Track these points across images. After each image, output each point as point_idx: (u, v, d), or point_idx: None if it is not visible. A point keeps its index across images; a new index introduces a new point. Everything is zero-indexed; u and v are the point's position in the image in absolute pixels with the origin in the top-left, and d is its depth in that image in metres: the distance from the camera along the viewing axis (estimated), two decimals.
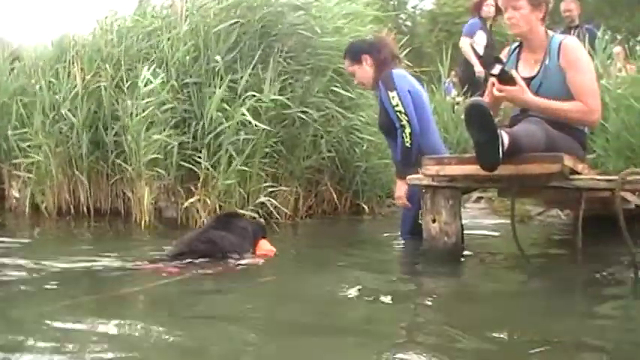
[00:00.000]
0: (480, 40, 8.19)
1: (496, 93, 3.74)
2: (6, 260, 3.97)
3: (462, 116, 3.51)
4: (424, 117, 4.52)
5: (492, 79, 3.77)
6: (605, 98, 6.04)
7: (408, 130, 4.36)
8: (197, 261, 3.81)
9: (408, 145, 4.37)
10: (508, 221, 5.89)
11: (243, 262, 3.93)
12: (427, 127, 4.54)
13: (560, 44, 3.91)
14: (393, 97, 4.41)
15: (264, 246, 4.27)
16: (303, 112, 5.81)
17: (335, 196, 6.38)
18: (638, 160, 5.55)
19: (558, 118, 3.82)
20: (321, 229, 5.91)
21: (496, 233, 5.26)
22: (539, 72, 3.94)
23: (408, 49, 6.65)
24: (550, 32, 4.08)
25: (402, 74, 4.58)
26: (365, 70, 4.70)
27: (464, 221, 4.71)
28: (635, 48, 6.40)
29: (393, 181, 6.52)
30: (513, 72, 3.79)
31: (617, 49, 9.71)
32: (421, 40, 24.17)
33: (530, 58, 4.04)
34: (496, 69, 3.71)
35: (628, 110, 5.85)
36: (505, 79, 3.71)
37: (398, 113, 4.39)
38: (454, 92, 8.46)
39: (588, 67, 3.97)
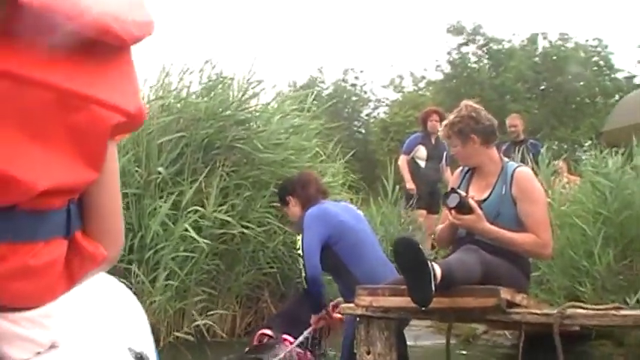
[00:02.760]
0: (421, 154, 8.32)
1: (453, 221, 3.78)
2: None
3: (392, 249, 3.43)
4: (354, 243, 4.49)
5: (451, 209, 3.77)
6: (550, 215, 6.06)
7: (304, 275, 4.38)
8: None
9: (305, 287, 4.44)
10: (453, 342, 5.82)
11: None
12: (358, 254, 4.48)
13: (513, 173, 3.90)
14: (298, 240, 4.46)
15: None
16: (244, 226, 5.67)
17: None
18: (583, 279, 5.52)
19: (511, 248, 3.78)
20: None
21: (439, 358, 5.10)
22: (489, 196, 3.92)
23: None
24: (505, 159, 4.09)
25: (318, 213, 4.55)
26: (292, 210, 4.79)
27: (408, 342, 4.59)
28: (579, 158, 6.45)
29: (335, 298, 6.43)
30: (471, 202, 3.77)
31: (559, 162, 9.90)
32: (374, 147, 24.57)
33: (481, 181, 4.04)
34: (453, 201, 3.73)
35: (572, 228, 5.85)
36: (464, 208, 3.73)
37: (299, 256, 4.43)
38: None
39: (541, 199, 3.99)
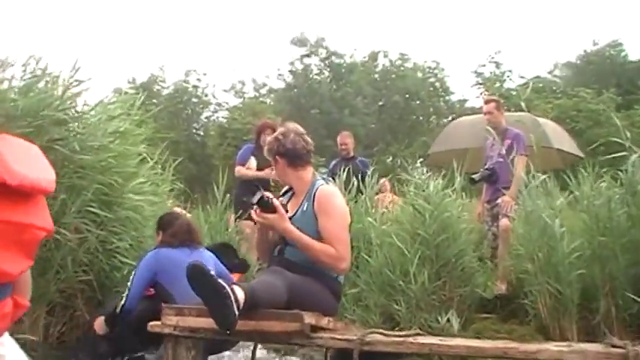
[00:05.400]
0: (252, 165, 8.32)
1: (256, 218, 3.93)
2: None
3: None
4: (176, 277, 4.69)
5: (255, 207, 3.89)
6: (371, 234, 6.20)
7: (121, 303, 4.83)
8: None
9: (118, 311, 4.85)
10: (272, 355, 5.82)
11: None
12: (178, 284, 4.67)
13: (316, 191, 4.01)
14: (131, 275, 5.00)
15: None
16: (56, 232, 5.36)
17: None
18: (399, 297, 5.68)
19: (309, 255, 3.83)
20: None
21: None
22: (296, 213, 4.00)
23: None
24: (317, 175, 4.16)
25: (151, 258, 5.00)
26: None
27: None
28: (407, 177, 6.66)
29: None
30: (275, 200, 3.88)
31: (383, 180, 10.19)
32: (211, 152, 24.38)
33: (295, 200, 4.16)
34: (255, 198, 3.87)
35: (390, 247, 6.01)
36: (267, 206, 3.85)
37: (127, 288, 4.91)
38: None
39: (341, 215, 4.04)
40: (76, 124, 5.73)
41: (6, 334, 2.11)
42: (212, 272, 3.28)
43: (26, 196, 1.96)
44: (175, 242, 5.10)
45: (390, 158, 28.23)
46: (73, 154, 5.51)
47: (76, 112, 5.88)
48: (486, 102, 7.51)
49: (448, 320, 5.43)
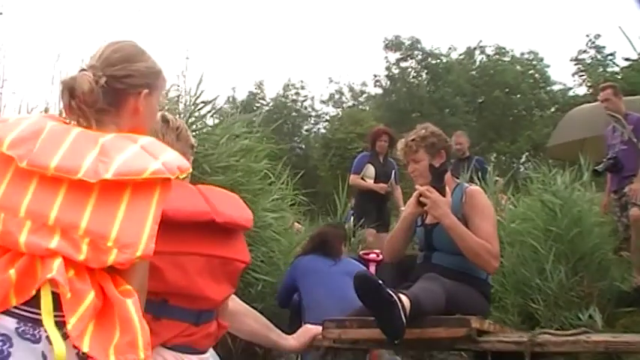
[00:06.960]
0: (370, 173, 8.32)
1: (425, 195, 3.73)
2: None
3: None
4: (309, 282, 4.99)
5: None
6: (500, 232, 6.08)
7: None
8: None
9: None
10: None
11: None
12: (310, 290, 4.94)
13: (464, 192, 3.91)
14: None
15: None
16: None
17: (229, 339, 6.00)
18: (535, 296, 5.54)
19: (463, 246, 3.69)
20: None
21: None
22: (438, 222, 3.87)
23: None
24: (457, 180, 4.09)
25: (293, 264, 5.39)
26: None
27: None
28: (520, 172, 6.52)
29: None
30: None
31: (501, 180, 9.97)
32: (315, 163, 24.52)
33: None
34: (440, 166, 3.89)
35: (522, 245, 5.88)
36: (439, 182, 3.79)
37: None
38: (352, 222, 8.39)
39: (491, 214, 3.95)
40: (204, 146, 5.80)
41: (211, 350, 2.39)
42: (379, 281, 3.24)
43: (230, 233, 2.32)
44: (307, 251, 5.36)
45: (495, 155, 27.66)
46: (203, 176, 5.60)
47: (201, 133, 5.97)
48: (602, 89, 7.27)
49: (590, 317, 5.26)
